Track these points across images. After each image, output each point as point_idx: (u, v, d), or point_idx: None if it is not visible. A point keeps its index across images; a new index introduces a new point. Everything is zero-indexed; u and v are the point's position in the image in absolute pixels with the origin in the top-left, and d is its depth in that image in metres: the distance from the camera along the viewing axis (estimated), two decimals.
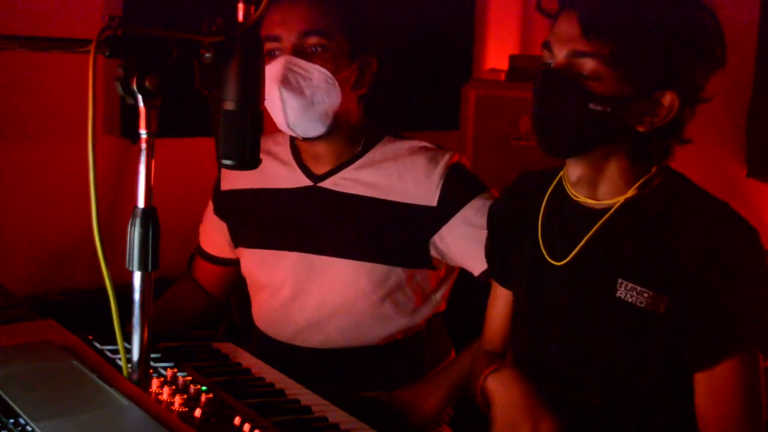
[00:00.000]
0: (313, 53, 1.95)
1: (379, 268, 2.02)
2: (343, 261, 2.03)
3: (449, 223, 1.99)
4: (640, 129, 1.53)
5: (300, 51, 1.94)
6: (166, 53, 1.36)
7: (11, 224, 3.27)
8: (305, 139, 2.02)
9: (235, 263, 2.24)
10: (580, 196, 1.62)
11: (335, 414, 1.66)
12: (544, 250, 1.66)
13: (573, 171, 1.61)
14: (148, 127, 1.38)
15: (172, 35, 1.37)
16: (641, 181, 1.58)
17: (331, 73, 1.94)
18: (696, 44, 1.51)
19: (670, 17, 1.49)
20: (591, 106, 1.49)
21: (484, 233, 1.88)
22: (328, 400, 1.73)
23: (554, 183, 1.69)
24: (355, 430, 1.62)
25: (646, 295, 1.53)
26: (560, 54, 1.52)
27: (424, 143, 2.09)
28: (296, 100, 1.93)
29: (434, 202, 2.00)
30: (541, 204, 1.69)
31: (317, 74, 1.94)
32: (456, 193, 2.00)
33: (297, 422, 1.62)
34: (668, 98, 1.52)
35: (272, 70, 1.91)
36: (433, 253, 2.04)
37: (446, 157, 2.04)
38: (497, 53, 4.43)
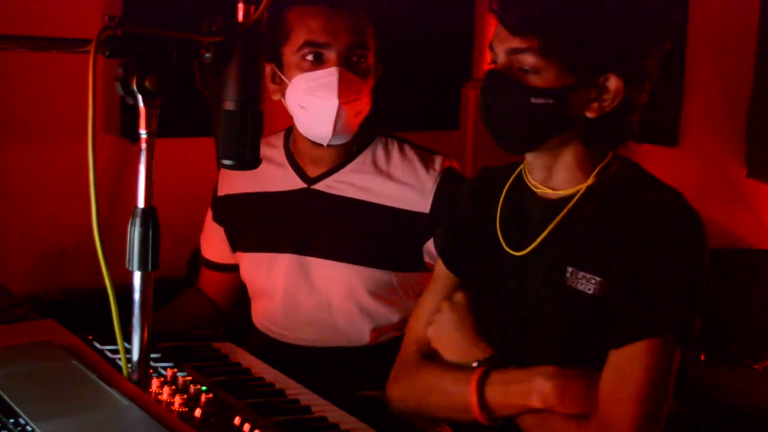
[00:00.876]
0: (356, 64, 2.00)
1: (371, 272, 2.04)
2: (336, 264, 2.05)
3: None
4: (590, 115, 1.53)
5: (348, 62, 1.99)
6: (166, 53, 1.36)
7: (11, 224, 3.27)
8: (325, 145, 2.04)
9: (238, 269, 2.24)
10: (539, 186, 1.62)
11: (335, 414, 1.66)
12: (502, 241, 1.66)
13: (529, 156, 1.62)
14: (148, 127, 1.38)
15: (172, 35, 1.37)
16: (597, 169, 1.58)
17: (366, 84, 2.00)
18: (631, 24, 1.50)
19: (600, 2, 1.49)
20: (533, 100, 1.50)
21: None
22: (328, 400, 1.73)
23: (513, 176, 1.70)
24: (355, 430, 1.62)
25: (594, 281, 1.52)
26: (500, 53, 1.54)
27: (415, 146, 2.12)
28: (348, 115, 1.98)
29: (427, 209, 2.03)
30: (500, 196, 1.69)
31: (364, 89, 2.00)
32: (449, 200, 2.01)
33: (297, 422, 1.62)
34: (613, 82, 1.51)
35: (329, 80, 1.95)
36: (426, 258, 2.06)
37: (438, 162, 2.07)
38: None
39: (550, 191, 1.61)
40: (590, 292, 1.53)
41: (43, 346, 1.59)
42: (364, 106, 2.01)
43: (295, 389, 1.77)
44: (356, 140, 2.08)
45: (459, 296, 1.72)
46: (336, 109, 1.95)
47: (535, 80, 1.50)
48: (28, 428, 1.24)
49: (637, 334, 1.48)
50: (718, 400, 2.92)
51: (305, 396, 1.74)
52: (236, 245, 2.19)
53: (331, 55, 1.98)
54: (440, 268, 1.80)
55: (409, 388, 1.73)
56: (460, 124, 4.07)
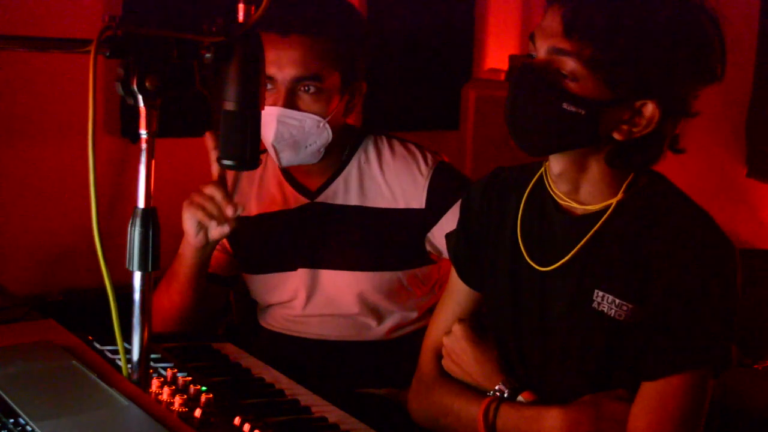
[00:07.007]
0: (306, 92, 1.97)
1: (380, 275, 2.07)
2: (346, 273, 2.07)
3: (439, 223, 2.03)
4: (617, 137, 1.47)
5: (293, 92, 1.96)
6: (166, 53, 1.36)
7: (11, 224, 3.27)
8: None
9: (227, 283, 2.22)
10: (565, 199, 1.57)
11: (335, 414, 1.66)
12: (524, 253, 1.61)
13: (555, 165, 1.55)
14: (148, 127, 1.38)
15: (172, 35, 1.37)
16: (625, 184, 1.53)
17: (324, 111, 1.98)
18: (687, 56, 1.44)
19: (661, 25, 1.41)
20: (564, 106, 1.43)
21: None
22: (328, 400, 1.73)
23: (533, 181, 1.64)
24: (355, 430, 1.62)
25: (625, 308, 1.50)
26: (542, 48, 1.47)
27: (405, 143, 2.12)
28: (289, 149, 1.98)
29: (422, 204, 2.05)
30: (520, 203, 1.64)
31: (309, 122, 1.97)
32: (442, 193, 2.04)
33: (297, 422, 1.62)
34: (649, 108, 1.45)
35: (266, 118, 1.90)
36: (428, 248, 2.09)
37: (429, 158, 2.08)
38: (497, 53, 4.42)
39: (577, 205, 1.56)
40: (620, 318, 1.49)
41: (43, 346, 1.59)
42: (320, 136, 1.98)
43: (295, 389, 1.78)
44: (344, 147, 2.09)
45: (463, 326, 1.70)
46: (272, 146, 1.96)
47: (571, 86, 1.43)
48: (28, 428, 1.24)
49: (675, 367, 1.46)
50: (718, 399, 2.92)
51: (305, 396, 1.74)
52: (243, 267, 2.19)
53: (279, 86, 1.96)
54: (454, 276, 1.78)
55: (426, 406, 1.74)
56: (460, 124, 4.07)
